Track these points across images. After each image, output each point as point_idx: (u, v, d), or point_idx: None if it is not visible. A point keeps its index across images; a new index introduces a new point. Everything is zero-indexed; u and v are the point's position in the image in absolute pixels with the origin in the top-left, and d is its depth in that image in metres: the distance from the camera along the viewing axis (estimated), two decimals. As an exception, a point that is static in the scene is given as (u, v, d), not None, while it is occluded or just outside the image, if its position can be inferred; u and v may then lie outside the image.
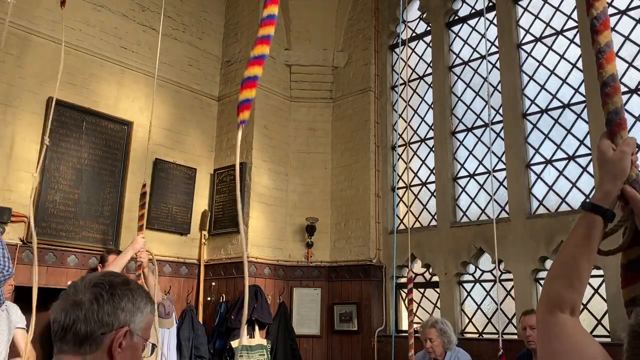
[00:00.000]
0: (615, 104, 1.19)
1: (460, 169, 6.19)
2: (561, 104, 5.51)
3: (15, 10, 5.47)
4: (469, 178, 6.08)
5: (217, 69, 7.38)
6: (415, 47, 6.98)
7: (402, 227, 6.50)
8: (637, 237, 1.12)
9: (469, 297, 5.80)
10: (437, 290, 5.99)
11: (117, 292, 1.27)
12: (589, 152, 5.17)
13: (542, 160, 5.51)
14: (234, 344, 5.72)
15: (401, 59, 7.01)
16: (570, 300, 1.08)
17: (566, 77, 5.53)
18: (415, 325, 4.25)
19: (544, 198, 5.43)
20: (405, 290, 6.35)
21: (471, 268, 5.83)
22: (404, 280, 6.37)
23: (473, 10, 6.49)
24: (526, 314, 3.98)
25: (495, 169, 5.88)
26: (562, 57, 5.60)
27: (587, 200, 1.14)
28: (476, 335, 5.60)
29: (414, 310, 4.51)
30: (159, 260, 6.11)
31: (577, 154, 5.31)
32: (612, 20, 5.27)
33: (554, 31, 5.73)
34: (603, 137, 1.19)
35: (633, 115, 4.98)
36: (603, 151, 1.16)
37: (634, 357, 0.96)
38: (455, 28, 6.64)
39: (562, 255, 1.13)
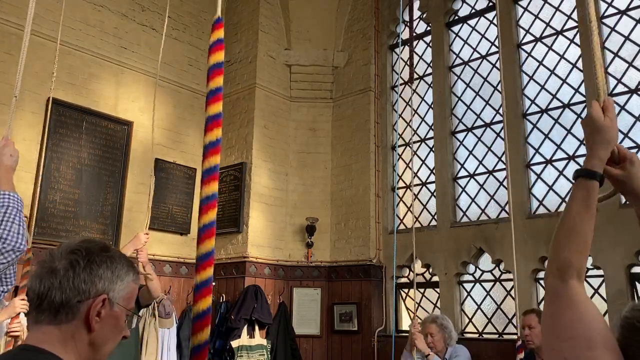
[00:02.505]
0: None
1: (460, 169, 6.19)
2: (561, 104, 5.51)
3: (15, 10, 5.47)
4: (469, 178, 6.08)
5: (217, 69, 7.37)
6: (416, 47, 6.98)
7: (402, 227, 6.50)
8: None
9: (469, 297, 5.80)
10: (437, 290, 5.99)
11: (95, 259, 1.21)
12: (589, 152, 5.16)
13: (542, 160, 5.51)
14: (234, 344, 5.72)
15: (401, 59, 7.02)
16: (578, 265, 1.13)
17: (566, 77, 5.53)
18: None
19: (544, 198, 5.43)
20: (406, 290, 6.36)
21: (471, 268, 5.83)
22: (404, 280, 6.38)
23: (473, 10, 6.49)
24: (525, 314, 3.98)
25: (495, 169, 5.89)
26: (562, 57, 5.60)
27: (581, 167, 1.19)
28: (476, 335, 5.60)
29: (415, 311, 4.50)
30: (159, 260, 6.12)
31: (577, 154, 5.30)
32: (612, 20, 5.27)
33: (554, 31, 5.73)
34: (595, 103, 1.23)
35: (633, 115, 4.98)
36: (596, 118, 1.21)
37: (629, 349, 0.98)
38: (455, 28, 6.64)
39: (565, 222, 1.17)
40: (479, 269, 5.77)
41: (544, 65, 5.71)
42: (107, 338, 1.22)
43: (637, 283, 4.65)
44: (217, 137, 1.46)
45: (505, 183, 5.70)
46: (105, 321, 1.20)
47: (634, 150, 4.89)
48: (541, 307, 5.11)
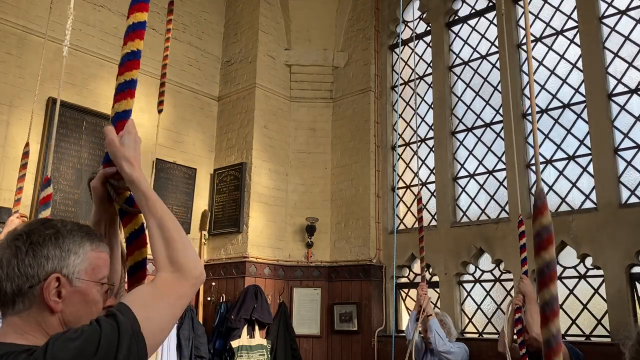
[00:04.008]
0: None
1: (460, 169, 6.19)
2: (561, 104, 5.51)
3: (15, 10, 5.47)
4: (469, 178, 6.08)
5: (217, 69, 7.38)
6: (416, 47, 6.98)
7: (402, 227, 6.50)
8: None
9: (469, 297, 5.80)
10: (437, 290, 5.98)
11: (38, 240, 1.16)
12: (589, 152, 5.17)
13: (542, 160, 5.51)
14: (234, 344, 5.72)
15: (401, 59, 7.02)
16: None
17: (566, 77, 5.53)
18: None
19: (544, 198, 5.42)
20: (406, 290, 6.37)
21: (471, 268, 5.83)
22: (404, 280, 6.38)
23: (473, 10, 6.49)
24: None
25: (495, 169, 5.89)
26: (562, 57, 5.60)
27: None
28: (476, 335, 5.60)
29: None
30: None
31: (577, 154, 5.30)
32: (612, 20, 5.27)
33: (554, 31, 5.73)
34: None
35: (633, 115, 4.98)
36: None
37: None
38: (455, 28, 6.64)
39: None
40: (479, 269, 5.77)
41: (544, 65, 5.71)
42: (79, 315, 1.18)
43: (637, 283, 4.65)
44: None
45: (505, 183, 5.71)
46: (69, 299, 1.16)
47: (634, 151, 4.89)
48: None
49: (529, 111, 5.72)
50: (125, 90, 1.38)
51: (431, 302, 4.46)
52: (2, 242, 1.20)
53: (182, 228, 1.28)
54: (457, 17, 6.64)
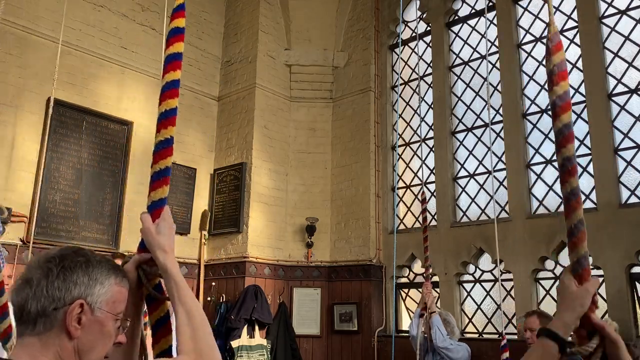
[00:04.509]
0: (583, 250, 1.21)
1: (460, 169, 6.19)
2: (561, 104, 5.50)
3: (16, 10, 5.47)
4: (469, 178, 6.08)
5: (217, 69, 7.38)
6: (415, 47, 6.98)
7: (402, 227, 6.50)
8: None
9: (469, 297, 5.80)
10: (437, 290, 5.98)
11: (69, 265, 1.19)
12: (589, 152, 5.17)
13: (542, 160, 5.51)
14: (234, 344, 5.72)
15: (401, 59, 7.02)
16: None
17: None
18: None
19: (544, 198, 5.43)
20: (406, 290, 6.37)
21: (471, 268, 5.83)
22: (404, 280, 6.37)
23: (473, 10, 6.49)
24: (527, 316, 3.88)
25: (495, 169, 5.88)
26: (562, 57, 5.59)
27: (547, 327, 1.21)
28: (476, 335, 5.60)
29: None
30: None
31: (577, 154, 5.29)
32: (612, 20, 5.27)
33: (554, 31, 5.72)
34: (567, 272, 1.25)
35: (633, 115, 4.98)
36: (566, 285, 1.23)
37: None
38: (455, 28, 6.64)
39: None
40: (479, 269, 5.77)
41: (544, 66, 5.68)
42: (94, 345, 1.19)
43: (637, 283, 4.65)
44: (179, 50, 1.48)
45: (503, 183, 5.71)
46: (88, 328, 1.18)
47: (634, 151, 4.90)
48: (541, 307, 5.11)
49: (529, 111, 5.73)
50: (160, 178, 1.44)
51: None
52: (34, 263, 1.22)
53: (206, 317, 1.36)
54: (457, 17, 6.64)
